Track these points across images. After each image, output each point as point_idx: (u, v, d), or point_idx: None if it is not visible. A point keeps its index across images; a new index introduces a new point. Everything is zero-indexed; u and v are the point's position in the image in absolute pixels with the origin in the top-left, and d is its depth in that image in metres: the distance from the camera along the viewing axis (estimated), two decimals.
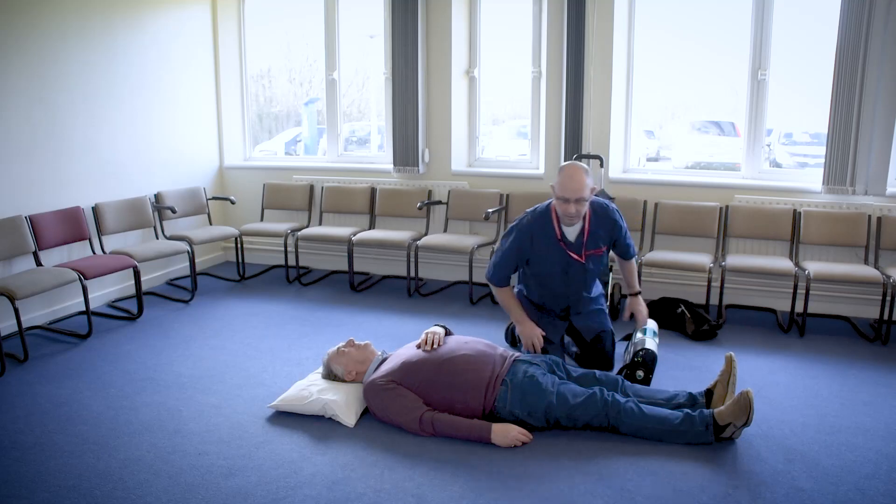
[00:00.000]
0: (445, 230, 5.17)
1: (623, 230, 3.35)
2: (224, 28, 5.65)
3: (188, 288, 4.95)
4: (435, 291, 4.99)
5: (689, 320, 4.02)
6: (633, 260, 3.48)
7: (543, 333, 3.28)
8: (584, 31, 4.64)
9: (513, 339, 3.71)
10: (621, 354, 3.49)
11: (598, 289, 3.53)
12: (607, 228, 3.28)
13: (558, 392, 2.79)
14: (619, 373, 3.22)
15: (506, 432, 2.70)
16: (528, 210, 3.35)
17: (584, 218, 3.22)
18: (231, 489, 2.42)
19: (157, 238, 5.01)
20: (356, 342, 3.12)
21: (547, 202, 3.29)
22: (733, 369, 2.82)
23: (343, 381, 3.06)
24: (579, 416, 2.76)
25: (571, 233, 3.23)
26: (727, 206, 4.52)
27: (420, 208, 5.03)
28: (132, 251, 4.41)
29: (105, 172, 4.72)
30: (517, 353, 3.03)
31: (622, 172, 4.96)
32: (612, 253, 3.50)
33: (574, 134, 4.76)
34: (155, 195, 5.08)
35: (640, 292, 3.47)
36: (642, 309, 3.40)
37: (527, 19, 5.00)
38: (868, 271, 3.97)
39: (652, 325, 3.47)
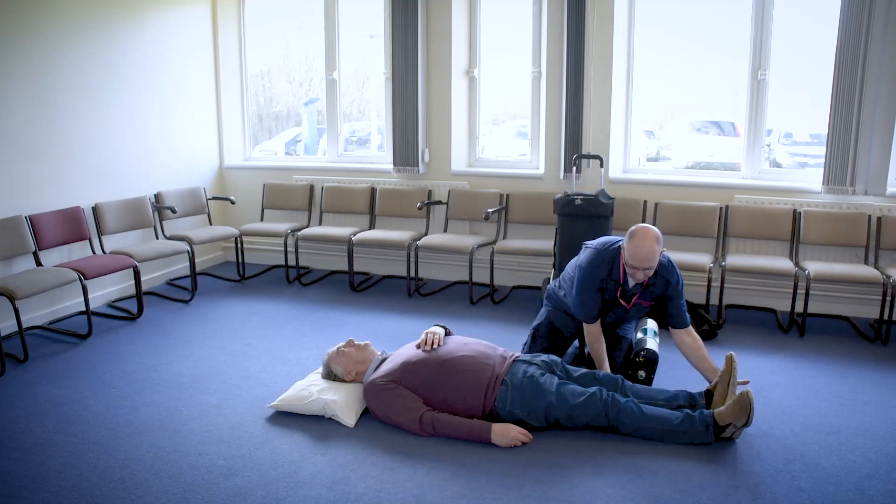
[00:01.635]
0: (445, 230, 5.17)
1: (678, 290, 3.15)
2: (224, 28, 5.65)
3: (188, 288, 4.95)
4: (435, 291, 4.99)
5: None
6: (691, 329, 3.15)
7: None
8: (584, 31, 4.64)
9: (533, 336, 3.53)
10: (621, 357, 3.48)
11: (630, 326, 3.49)
12: (661, 284, 3.14)
13: (558, 392, 2.79)
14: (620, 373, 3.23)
15: (506, 432, 2.71)
16: (597, 243, 3.24)
17: None
18: (231, 489, 2.42)
19: (157, 238, 5.01)
20: (356, 342, 3.12)
21: (618, 244, 3.17)
22: (733, 370, 2.82)
23: (343, 381, 3.06)
24: (579, 416, 2.76)
25: (631, 280, 3.16)
26: (727, 206, 4.52)
27: (420, 208, 5.03)
28: (132, 251, 4.41)
29: (105, 172, 4.72)
30: (517, 354, 3.03)
31: (622, 172, 4.96)
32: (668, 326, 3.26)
33: (574, 134, 4.76)
34: (155, 195, 5.08)
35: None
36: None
37: (527, 19, 5.00)
38: (868, 271, 3.97)
39: (652, 324, 3.47)
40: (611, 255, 3.16)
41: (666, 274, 3.13)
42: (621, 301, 3.20)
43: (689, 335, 3.14)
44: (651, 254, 2.96)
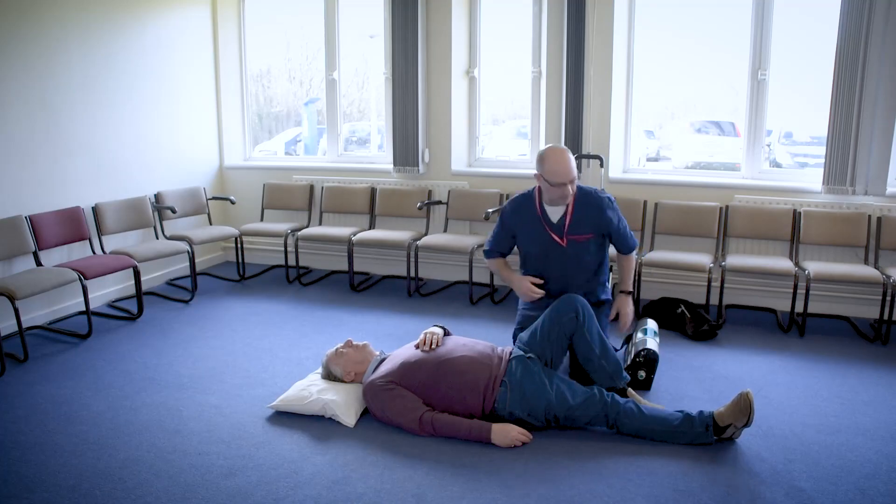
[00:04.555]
0: (445, 230, 5.17)
1: (614, 221, 3.25)
2: (224, 28, 5.65)
3: (188, 288, 4.95)
4: (435, 291, 4.99)
5: (689, 320, 4.02)
6: (633, 255, 3.37)
7: (537, 280, 3.29)
8: (584, 31, 4.64)
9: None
10: (622, 356, 3.47)
11: (602, 278, 3.41)
12: (592, 216, 3.20)
13: (557, 390, 2.79)
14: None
15: (506, 432, 2.70)
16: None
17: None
18: (231, 489, 2.42)
19: (157, 238, 5.01)
20: (354, 342, 3.12)
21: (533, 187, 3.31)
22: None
23: (342, 381, 3.06)
24: (579, 417, 2.76)
25: (554, 214, 3.21)
26: (727, 206, 4.52)
27: (420, 208, 5.03)
28: (132, 251, 4.41)
29: (105, 172, 4.72)
30: (510, 348, 3.04)
31: (622, 172, 4.96)
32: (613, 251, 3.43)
33: (574, 134, 4.76)
34: (155, 195, 5.08)
35: (630, 292, 3.35)
36: (628, 310, 3.30)
37: (527, 19, 5.00)
38: (868, 271, 3.97)
39: (652, 325, 3.47)
40: (524, 194, 3.33)
41: (593, 200, 3.22)
42: (554, 237, 3.22)
43: (626, 258, 3.35)
44: (568, 163, 3.06)
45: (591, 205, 3.21)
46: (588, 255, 3.28)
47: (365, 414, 2.96)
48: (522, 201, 3.32)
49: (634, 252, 3.38)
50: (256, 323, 4.27)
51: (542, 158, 3.11)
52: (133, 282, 4.43)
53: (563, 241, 3.21)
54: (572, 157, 3.09)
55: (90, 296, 4.12)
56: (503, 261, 3.46)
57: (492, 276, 4.78)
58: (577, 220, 3.21)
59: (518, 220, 3.31)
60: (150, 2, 4.97)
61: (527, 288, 3.28)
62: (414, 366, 2.90)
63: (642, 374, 3.18)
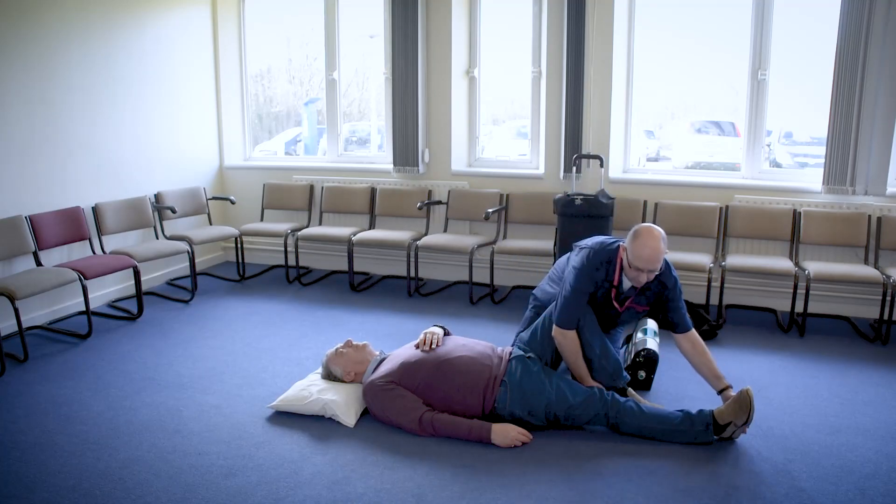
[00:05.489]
0: (445, 230, 5.17)
1: (676, 292, 2.99)
2: (224, 28, 5.65)
3: (188, 288, 4.95)
4: (435, 291, 4.99)
5: None
6: (694, 332, 2.98)
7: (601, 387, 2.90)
8: (584, 31, 4.64)
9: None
10: (622, 356, 3.47)
11: (618, 335, 3.34)
12: (656, 286, 3.00)
13: (557, 389, 2.79)
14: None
15: (505, 432, 2.70)
16: (592, 244, 3.06)
17: None
18: (231, 489, 2.42)
19: (157, 238, 5.01)
20: (354, 342, 3.12)
21: (616, 244, 3.02)
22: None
23: (342, 381, 3.06)
24: (579, 416, 2.76)
25: (627, 282, 3.02)
26: (727, 206, 4.52)
27: (420, 208, 5.03)
28: (132, 251, 4.41)
29: (105, 172, 4.72)
30: (510, 348, 3.03)
31: (622, 172, 4.96)
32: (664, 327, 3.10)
33: (574, 134, 4.76)
34: (155, 195, 5.08)
35: (729, 386, 2.85)
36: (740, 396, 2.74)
37: (527, 19, 5.00)
38: (868, 271, 3.97)
39: (652, 324, 3.47)
40: (608, 255, 2.99)
41: (662, 276, 2.98)
42: (614, 303, 3.06)
43: (690, 339, 2.96)
44: (658, 254, 2.80)
45: (658, 278, 2.97)
46: (633, 321, 3.20)
47: (365, 414, 2.96)
48: (606, 263, 3.00)
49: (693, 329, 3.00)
50: (256, 323, 4.27)
51: (635, 236, 2.85)
52: (133, 282, 4.43)
53: (620, 307, 3.07)
54: (665, 247, 2.83)
55: (90, 296, 4.12)
56: (578, 340, 3.00)
57: (492, 275, 4.77)
58: (644, 291, 3.03)
59: (598, 281, 3.01)
60: (150, 2, 4.97)
61: None
62: (414, 366, 2.90)
63: (642, 374, 3.18)
